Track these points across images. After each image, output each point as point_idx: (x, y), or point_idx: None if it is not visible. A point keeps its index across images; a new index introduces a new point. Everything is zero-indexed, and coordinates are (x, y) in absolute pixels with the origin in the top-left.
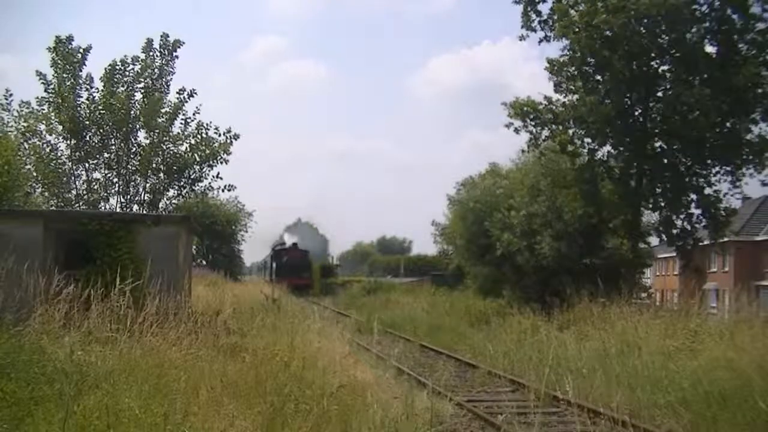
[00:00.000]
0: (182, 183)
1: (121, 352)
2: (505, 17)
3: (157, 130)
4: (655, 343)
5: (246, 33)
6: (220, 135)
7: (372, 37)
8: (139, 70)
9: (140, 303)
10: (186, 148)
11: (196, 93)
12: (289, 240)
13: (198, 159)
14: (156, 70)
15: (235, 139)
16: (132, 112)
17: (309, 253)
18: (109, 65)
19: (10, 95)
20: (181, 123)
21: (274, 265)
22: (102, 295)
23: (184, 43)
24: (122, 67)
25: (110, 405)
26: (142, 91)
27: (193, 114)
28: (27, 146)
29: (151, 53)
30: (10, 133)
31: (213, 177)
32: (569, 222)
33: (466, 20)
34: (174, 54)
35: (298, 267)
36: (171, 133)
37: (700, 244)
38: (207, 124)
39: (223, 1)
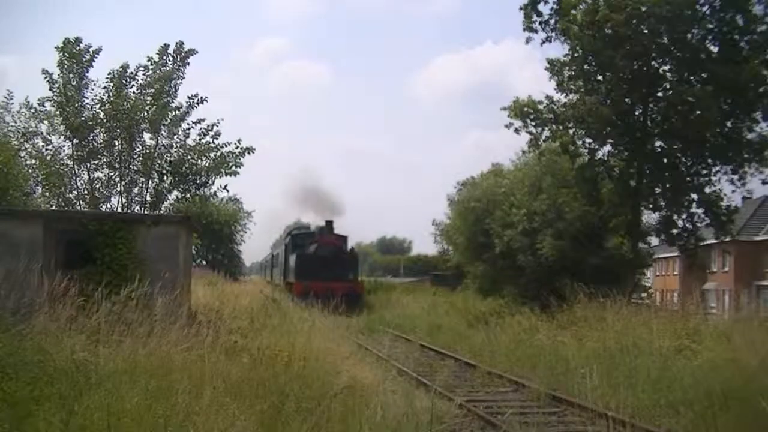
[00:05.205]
0: (187, 186)
1: (122, 352)
2: (507, 18)
3: (163, 133)
4: (655, 343)
5: (247, 33)
6: (237, 148)
7: (373, 37)
8: (151, 74)
9: (140, 303)
10: (196, 155)
11: (206, 100)
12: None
13: (207, 167)
14: (167, 73)
15: (249, 153)
16: (140, 114)
17: (347, 240)
18: (120, 68)
19: (12, 96)
20: (200, 133)
21: (291, 259)
22: (103, 295)
23: (197, 51)
24: (134, 72)
25: (111, 405)
26: (152, 94)
27: (212, 126)
28: (28, 146)
29: (164, 57)
30: (11, 135)
31: (219, 187)
32: (571, 221)
33: (468, 20)
34: (186, 62)
35: (337, 262)
36: (179, 137)
37: (702, 243)
38: (227, 143)
39: (224, 1)
